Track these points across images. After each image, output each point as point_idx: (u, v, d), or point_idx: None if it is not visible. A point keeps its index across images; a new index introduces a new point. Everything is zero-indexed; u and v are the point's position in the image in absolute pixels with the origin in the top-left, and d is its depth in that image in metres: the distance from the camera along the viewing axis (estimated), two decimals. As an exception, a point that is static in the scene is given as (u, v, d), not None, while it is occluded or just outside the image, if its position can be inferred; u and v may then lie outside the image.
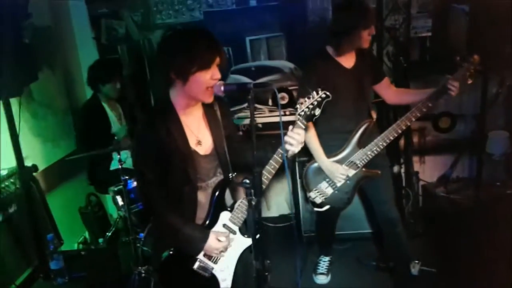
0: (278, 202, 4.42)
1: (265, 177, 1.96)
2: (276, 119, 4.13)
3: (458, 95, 2.54)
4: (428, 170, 4.12)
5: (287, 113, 4.12)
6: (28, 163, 2.84)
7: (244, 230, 2.07)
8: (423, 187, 4.02)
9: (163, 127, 1.90)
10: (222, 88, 1.85)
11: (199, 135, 2.01)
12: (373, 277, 3.33)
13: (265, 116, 4.16)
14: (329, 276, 3.34)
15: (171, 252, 1.99)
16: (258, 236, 1.81)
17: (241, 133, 4.16)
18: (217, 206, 2.05)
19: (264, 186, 1.96)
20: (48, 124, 3.55)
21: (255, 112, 4.10)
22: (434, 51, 3.83)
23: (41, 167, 3.29)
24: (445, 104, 3.84)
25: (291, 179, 3.90)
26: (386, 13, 3.71)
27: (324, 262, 3.39)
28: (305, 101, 1.93)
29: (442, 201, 3.65)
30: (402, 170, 3.88)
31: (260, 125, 4.16)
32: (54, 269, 2.58)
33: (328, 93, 1.94)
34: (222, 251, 2.03)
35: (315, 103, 1.93)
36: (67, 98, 3.92)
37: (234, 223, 2.05)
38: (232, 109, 4.03)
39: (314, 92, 1.94)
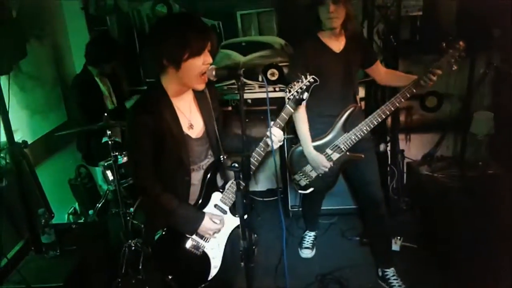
0: (266, 177, 4.50)
1: (255, 159, 2.03)
2: (265, 95, 4.14)
3: (446, 75, 2.56)
4: (414, 148, 4.20)
5: (277, 89, 4.14)
6: (17, 136, 2.83)
7: (234, 210, 2.13)
8: (407, 165, 4.11)
9: (156, 111, 1.93)
10: (214, 72, 1.89)
11: (191, 118, 2.05)
12: (357, 251, 3.45)
13: (255, 92, 4.17)
14: (314, 250, 3.46)
15: (163, 232, 2.06)
16: (246, 216, 1.88)
17: (230, 108, 4.18)
18: (209, 187, 2.11)
19: (253, 168, 2.03)
20: (37, 97, 3.53)
21: (245, 88, 4.19)
22: (425, 31, 3.83)
23: (30, 140, 3.28)
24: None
25: (279, 155, 3.97)
26: (377, -9, 3.70)
27: (310, 237, 3.50)
28: (294, 85, 1.99)
29: (426, 179, 3.74)
30: (388, 148, 3.96)
31: (249, 101, 4.17)
32: (46, 243, 2.63)
33: (316, 77, 2.01)
34: (215, 233, 2.10)
35: (304, 87, 2.00)
36: (56, 70, 3.87)
37: (225, 203, 2.12)
38: (221, 85, 4.04)
39: (303, 77, 2.00)
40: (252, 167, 2.01)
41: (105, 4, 4.02)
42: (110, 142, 2.91)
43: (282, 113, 2.02)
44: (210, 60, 1.91)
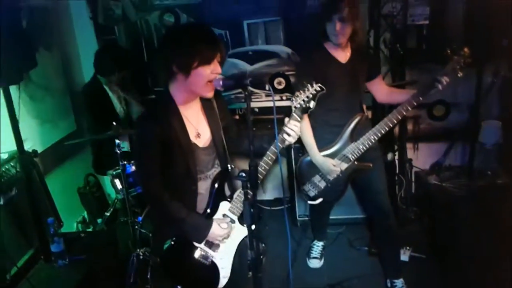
0: (273, 186, 4.49)
1: (263, 168, 2.03)
2: (272, 104, 4.15)
3: (453, 84, 2.57)
4: (422, 157, 4.18)
5: (284, 98, 4.15)
6: (27, 145, 2.85)
7: (242, 219, 2.12)
8: (416, 174, 4.09)
9: (164, 120, 1.95)
10: (221, 82, 1.91)
11: (198, 128, 2.07)
12: (365, 261, 3.43)
13: (262, 101, 4.18)
14: (322, 260, 3.44)
15: (172, 242, 2.07)
16: (254, 227, 1.88)
17: (237, 117, 4.20)
18: (217, 197, 2.12)
19: (261, 177, 2.03)
20: (46, 106, 3.56)
21: (252, 97, 4.21)
22: (431, 39, 3.84)
23: (40, 149, 3.31)
24: (440, 93, 3.86)
25: (286, 164, 3.97)
26: (384, 0, 3.70)
27: (318, 246, 3.48)
28: (300, 94, 1.99)
29: (434, 188, 3.72)
30: (396, 157, 3.95)
31: (256, 110, 4.19)
32: (55, 252, 2.64)
33: (322, 86, 1.99)
34: (224, 238, 2.10)
35: (310, 95, 1.98)
36: (65, 79, 3.91)
37: (233, 213, 2.12)
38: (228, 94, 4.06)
39: (309, 85, 1.99)
40: (260, 176, 2.00)
41: (113, 14, 4.06)
42: (118, 151, 2.92)
43: (291, 120, 1.99)
44: (219, 70, 1.93)
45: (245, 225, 2.10)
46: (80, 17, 4.07)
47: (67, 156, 3.76)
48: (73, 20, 4.09)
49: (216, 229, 2.06)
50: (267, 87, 4.05)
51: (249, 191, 1.83)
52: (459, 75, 2.54)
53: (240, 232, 2.15)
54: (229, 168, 2.17)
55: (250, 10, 3.96)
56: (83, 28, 4.09)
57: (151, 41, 4.14)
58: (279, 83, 4.13)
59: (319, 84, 1.99)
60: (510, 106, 3.78)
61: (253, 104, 4.17)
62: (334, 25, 2.54)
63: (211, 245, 2.12)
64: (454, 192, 3.61)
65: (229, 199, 2.15)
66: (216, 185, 2.12)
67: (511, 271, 2.76)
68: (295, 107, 2.00)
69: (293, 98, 2.01)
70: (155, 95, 4.10)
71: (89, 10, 4.05)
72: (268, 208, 4.32)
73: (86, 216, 3.99)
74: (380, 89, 2.92)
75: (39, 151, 3.01)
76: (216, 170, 2.15)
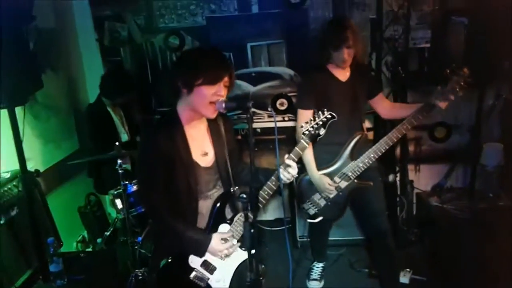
0: (274, 206, 4.48)
1: (266, 192, 2.05)
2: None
3: (454, 106, 2.60)
4: (423, 178, 4.18)
5: (286, 118, 4.18)
6: (30, 164, 2.89)
7: (242, 243, 2.12)
8: (417, 196, 4.08)
9: (167, 138, 1.98)
10: (224, 105, 1.92)
11: (202, 147, 2.10)
12: (365, 283, 3.40)
13: (264, 121, 4.22)
14: (322, 282, 3.42)
15: (169, 260, 2.06)
16: (254, 250, 1.87)
17: (239, 137, 4.23)
18: (217, 218, 2.12)
19: (264, 201, 2.05)
20: (50, 126, 3.60)
21: (254, 117, 4.24)
22: (433, 62, 3.87)
23: (42, 168, 3.35)
24: (441, 115, 3.90)
25: (287, 185, 3.96)
26: (386, 23, 3.76)
27: (318, 268, 3.46)
28: (311, 120, 2.00)
29: (436, 210, 3.71)
30: (397, 179, 3.94)
31: (258, 130, 4.22)
32: (54, 272, 2.64)
33: (333, 114, 2.00)
34: (225, 254, 2.09)
35: (320, 123, 2.00)
36: (70, 99, 3.97)
37: (232, 236, 2.11)
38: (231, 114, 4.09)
39: (320, 112, 2.00)
40: (263, 200, 2.03)
41: (119, 36, 4.13)
42: (120, 171, 2.94)
43: (296, 148, 2.01)
44: (223, 93, 1.95)
45: (244, 249, 2.11)
46: (86, 39, 4.14)
47: (69, 176, 3.78)
48: (79, 42, 4.16)
49: (217, 244, 2.05)
50: (269, 109, 4.09)
51: (249, 213, 1.84)
52: (459, 94, 2.57)
53: (239, 256, 2.14)
54: (232, 190, 2.17)
55: (253, 32, 4.03)
56: (89, 50, 4.16)
57: (155, 62, 4.19)
58: (281, 104, 4.17)
59: (330, 112, 2.00)
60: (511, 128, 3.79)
61: (255, 125, 4.20)
62: (342, 53, 2.62)
63: (208, 267, 2.11)
64: (455, 214, 3.60)
65: (229, 222, 2.14)
66: (217, 206, 2.12)
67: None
68: (304, 133, 2.00)
69: (302, 124, 2.02)
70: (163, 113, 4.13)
71: (96, 32, 4.12)
72: (269, 228, 4.30)
73: (86, 235, 3.99)
74: (383, 105, 2.97)
75: (41, 170, 3.04)
76: (218, 191, 2.16)
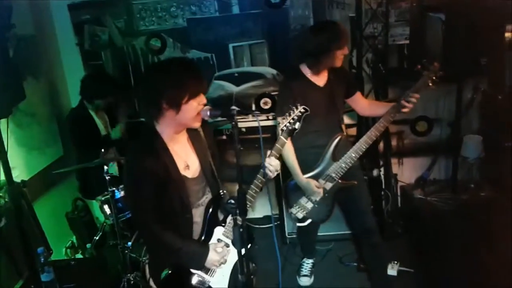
0: (262, 203, 4.51)
1: (254, 191, 2.11)
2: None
3: (435, 100, 2.66)
4: (407, 171, 4.26)
5: (270, 117, 4.22)
6: (15, 173, 2.86)
7: None
8: (401, 189, 4.17)
9: (152, 157, 1.99)
10: (208, 113, 1.96)
11: (187, 160, 2.12)
12: (354, 277, 3.47)
13: (249, 121, 4.24)
14: (312, 278, 3.48)
15: (169, 272, 2.08)
16: (245, 251, 1.91)
17: (224, 137, 4.26)
18: (211, 223, 2.17)
19: (253, 200, 2.11)
20: (33, 133, 3.57)
21: (239, 117, 4.26)
22: (412, 58, 3.94)
23: (27, 176, 3.33)
24: (422, 109, 3.97)
25: (274, 182, 4.01)
26: (365, 21, 3.81)
27: (307, 264, 3.52)
28: (286, 116, 2.08)
29: (419, 203, 3.80)
30: (381, 173, 4.02)
31: (243, 129, 4.24)
32: (45, 281, 2.63)
33: (306, 107, 2.10)
34: (222, 262, 2.14)
35: (296, 117, 2.09)
36: (52, 105, 3.93)
37: (227, 237, 2.17)
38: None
39: (294, 107, 2.09)
40: (252, 199, 2.09)
41: (99, 40, 4.10)
42: (107, 178, 2.94)
43: (277, 144, 2.11)
44: (205, 100, 1.99)
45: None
46: (66, 44, 4.10)
47: (54, 182, 3.76)
48: (60, 47, 4.12)
49: (213, 255, 2.09)
50: (254, 113, 4.11)
51: (238, 217, 1.88)
52: (431, 88, 2.64)
53: (235, 255, 2.17)
54: (221, 193, 2.22)
55: (235, 33, 4.04)
56: (70, 54, 4.13)
57: (137, 65, 4.18)
58: (265, 103, 4.21)
59: (304, 106, 2.10)
60: (490, 120, 3.89)
61: (240, 124, 4.21)
62: (335, 59, 2.69)
63: (208, 270, 2.15)
64: (438, 206, 3.69)
65: (223, 224, 2.19)
66: (209, 212, 2.16)
67: (498, 282, 2.82)
68: (281, 129, 2.10)
69: (279, 121, 2.11)
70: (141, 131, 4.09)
71: (76, 37, 4.09)
72: (258, 226, 4.34)
73: (75, 241, 3.98)
74: (360, 104, 3.03)
75: (26, 178, 3.03)
76: (207, 197, 2.20)
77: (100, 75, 3.77)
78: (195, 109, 1.95)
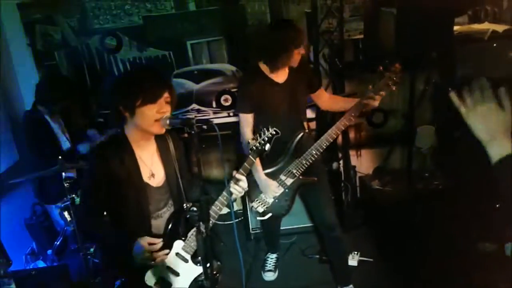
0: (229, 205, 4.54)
1: (218, 207, 2.10)
2: (221, 120, 4.25)
3: (390, 92, 2.75)
4: (365, 162, 4.39)
5: (231, 114, 4.24)
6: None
7: (195, 259, 2.16)
8: (360, 179, 4.30)
9: (115, 160, 1.99)
10: (168, 121, 1.97)
11: (152, 168, 2.12)
12: (317, 269, 3.56)
13: (210, 118, 4.24)
14: (277, 272, 3.55)
15: (122, 280, 2.08)
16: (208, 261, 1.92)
17: (186, 135, 4.23)
18: (171, 236, 2.15)
19: (216, 216, 2.11)
20: (-14, 139, 3.46)
21: (199, 115, 4.26)
22: (367, 52, 4.05)
23: (-19, 183, 3.23)
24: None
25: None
26: (321, 17, 3.87)
27: (272, 259, 3.58)
28: (257, 138, 2.10)
29: (377, 193, 3.94)
30: (341, 165, 4.12)
31: (204, 127, 4.22)
32: (5, 294, 2.58)
33: (277, 130, 2.11)
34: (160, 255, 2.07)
35: (266, 139, 2.10)
36: (5, 109, 3.79)
37: (186, 252, 2.15)
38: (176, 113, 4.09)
39: (265, 129, 2.10)
40: (215, 215, 2.09)
41: (52, 39, 3.98)
42: (66, 185, 2.89)
43: (245, 164, 2.09)
44: (165, 110, 1.98)
45: (198, 264, 2.15)
46: (17, 44, 3.96)
47: (10, 188, 3.64)
48: (10, 47, 3.96)
49: (142, 241, 2.00)
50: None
51: (201, 225, 1.88)
52: (393, 89, 2.72)
53: (193, 271, 2.17)
54: (185, 207, 2.21)
55: (192, 30, 4.02)
56: (21, 55, 3.99)
57: (93, 65, 4.09)
58: (226, 100, 4.22)
59: (275, 129, 2.11)
60: (442, 111, 4.05)
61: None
62: (292, 56, 2.71)
63: (164, 283, 2.11)
64: (395, 196, 3.84)
65: (183, 238, 2.17)
66: (170, 225, 2.15)
67: (454, 268, 2.99)
68: (251, 149, 2.10)
69: (249, 141, 2.12)
70: (103, 119, 4.02)
71: (27, 37, 3.95)
72: (222, 222, 4.37)
73: (35, 247, 3.89)
74: (323, 99, 3.10)
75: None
76: (169, 209, 2.20)
77: (55, 78, 3.66)
78: (152, 116, 1.95)
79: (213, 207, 2.07)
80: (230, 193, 2.06)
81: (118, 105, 1.96)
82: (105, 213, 2.13)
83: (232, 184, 2.05)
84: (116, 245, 2.06)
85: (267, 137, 2.09)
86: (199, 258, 2.08)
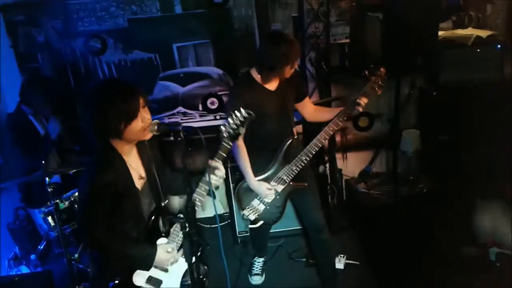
0: (212, 203, 4.52)
1: (198, 199, 2.08)
2: (206, 124, 4.24)
3: (375, 96, 2.78)
4: (350, 166, 4.42)
5: (218, 117, 4.23)
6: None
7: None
8: (346, 182, 4.33)
9: (111, 170, 1.98)
10: (156, 127, 1.96)
11: (138, 170, 2.12)
12: (304, 272, 3.56)
13: (196, 121, 4.23)
14: (263, 276, 3.55)
15: (116, 282, 2.07)
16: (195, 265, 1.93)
17: (172, 138, 4.20)
18: (152, 233, 2.15)
19: (200, 206, 2.09)
20: (-33, 142, 3.39)
21: (186, 118, 4.24)
22: (353, 57, 4.07)
23: (-38, 188, 3.16)
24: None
25: (224, 182, 4.02)
26: (307, 21, 3.89)
27: (259, 263, 3.58)
28: (229, 122, 2.00)
29: (363, 196, 3.97)
30: (327, 168, 4.14)
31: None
32: (-12, 301, 2.54)
33: (251, 112, 2.01)
34: (172, 262, 2.14)
35: (238, 122, 1.99)
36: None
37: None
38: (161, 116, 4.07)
39: (236, 112, 1.99)
40: (199, 205, 2.07)
41: (35, 41, 3.92)
42: (50, 190, 2.85)
43: (220, 151, 2.04)
44: (148, 116, 1.97)
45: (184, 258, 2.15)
46: (-1, 46, 3.89)
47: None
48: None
49: (162, 254, 2.08)
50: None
51: (188, 229, 1.88)
52: (378, 93, 2.75)
53: (182, 265, 2.18)
54: (163, 204, 2.22)
55: (178, 33, 4.00)
56: (3, 57, 3.90)
57: (77, 67, 4.04)
58: (212, 103, 4.21)
59: (248, 110, 2.00)
60: (426, 115, 4.10)
61: (187, 124, 4.20)
62: (284, 73, 2.71)
63: (154, 282, 2.14)
64: (381, 199, 3.87)
65: (164, 235, 2.18)
66: (150, 223, 2.15)
67: (440, 271, 3.02)
68: (224, 136, 2.01)
69: (222, 127, 2.02)
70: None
71: (9, 38, 3.88)
72: (208, 226, 4.35)
73: (18, 251, 3.83)
74: (308, 109, 3.10)
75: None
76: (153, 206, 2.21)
77: (40, 79, 3.61)
78: (139, 128, 1.94)
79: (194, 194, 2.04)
80: (210, 183, 2.03)
81: (103, 134, 1.95)
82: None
83: (209, 173, 2.01)
84: (141, 258, 2.06)
85: (240, 120, 1.98)
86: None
